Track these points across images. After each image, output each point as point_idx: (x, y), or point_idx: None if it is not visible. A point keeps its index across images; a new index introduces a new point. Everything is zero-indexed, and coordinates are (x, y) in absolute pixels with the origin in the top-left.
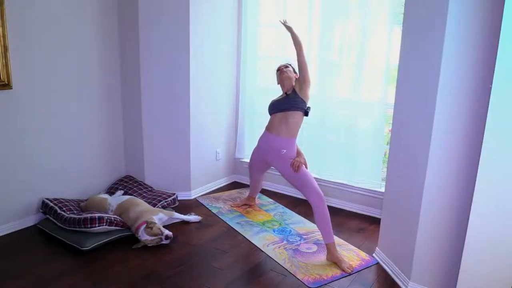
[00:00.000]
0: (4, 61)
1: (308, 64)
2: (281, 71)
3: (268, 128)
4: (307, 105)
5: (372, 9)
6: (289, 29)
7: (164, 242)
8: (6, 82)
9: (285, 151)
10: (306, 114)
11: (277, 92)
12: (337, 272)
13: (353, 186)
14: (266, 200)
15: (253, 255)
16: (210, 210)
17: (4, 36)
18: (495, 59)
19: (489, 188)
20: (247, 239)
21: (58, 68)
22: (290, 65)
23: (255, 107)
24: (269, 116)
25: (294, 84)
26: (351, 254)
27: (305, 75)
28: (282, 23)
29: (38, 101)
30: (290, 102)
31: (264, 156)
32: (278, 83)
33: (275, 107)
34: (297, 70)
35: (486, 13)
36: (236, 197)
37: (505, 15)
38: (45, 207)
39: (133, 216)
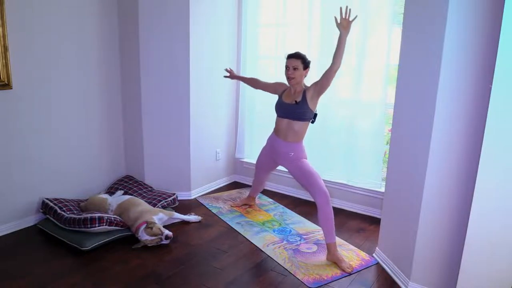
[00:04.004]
0: (4, 61)
1: None
2: (288, 77)
3: (275, 131)
4: (315, 112)
5: (372, 9)
6: (344, 29)
7: (164, 242)
8: (6, 82)
9: (292, 154)
10: (312, 122)
11: None
12: (337, 272)
13: (353, 186)
14: (266, 200)
15: (253, 255)
16: (210, 210)
17: (4, 36)
18: (495, 59)
19: (489, 188)
20: (247, 239)
21: (58, 68)
22: (299, 58)
23: (255, 107)
24: (269, 116)
25: (305, 87)
26: (351, 254)
27: (324, 88)
28: (344, 16)
29: (38, 101)
30: (298, 113)
31: (272, 155)
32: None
33: (282, 112)
34: (307, 61)
35: (486, 13)
36: (236, 197)
37: (505, 15)
38: (45, 207)
39: (133, 216)
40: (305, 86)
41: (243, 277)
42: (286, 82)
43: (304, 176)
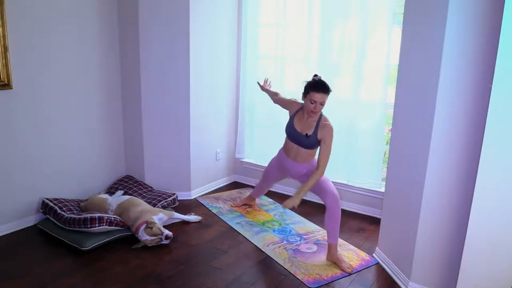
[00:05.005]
0: (4, 61)
1: (309, 64)
2: (312, 112)
3: (285, 149)
4: None
5: (372, 9)
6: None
7: (164, 242)
8: (6, 82)
9: (305, 171)
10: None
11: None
12: (337, 272)
13: (353, 186)
14: (266, 200)
15: (253, 255)
16: (210, 210)
17: (4, 36)
18: (495, 59)
19: (489, 188)
20: (247, 239)
21: (58, 68)
22: (328, 92)
23: (255, 107)
24: (269, 116)
25: (320, 116)
26: (351, 254)
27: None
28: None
29: (38, 101)
30: (308, 144)
31: (283, 170)
32: (302, 101)
33: (291, 137)
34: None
35: (486, 13)
36: (236, 197)
37: (505, 15)
38: (45, 207)
39: (133, 216)
40: (321, 115)
41: (243, 277)
42: (298, 99)
43: (316, 184)
